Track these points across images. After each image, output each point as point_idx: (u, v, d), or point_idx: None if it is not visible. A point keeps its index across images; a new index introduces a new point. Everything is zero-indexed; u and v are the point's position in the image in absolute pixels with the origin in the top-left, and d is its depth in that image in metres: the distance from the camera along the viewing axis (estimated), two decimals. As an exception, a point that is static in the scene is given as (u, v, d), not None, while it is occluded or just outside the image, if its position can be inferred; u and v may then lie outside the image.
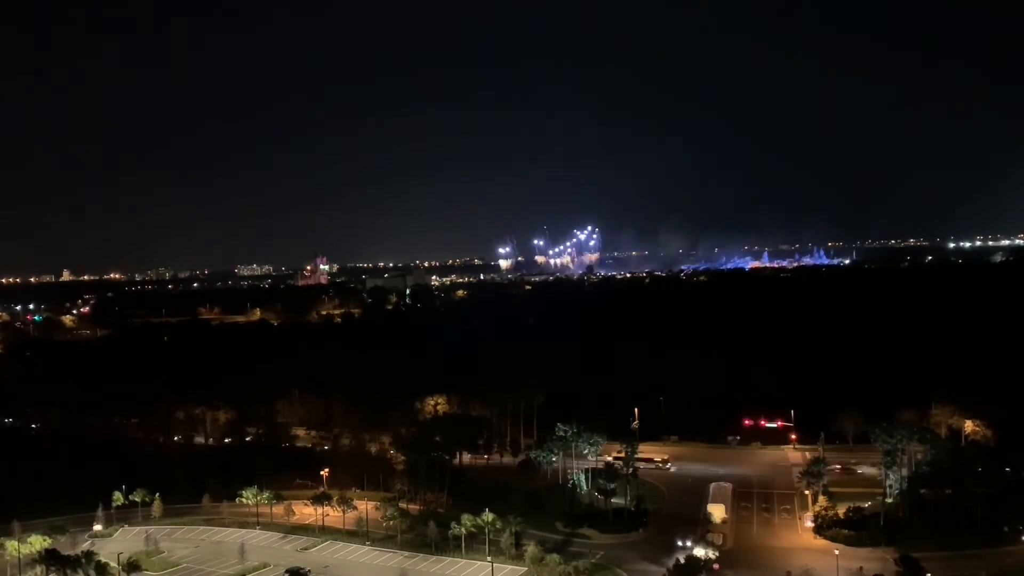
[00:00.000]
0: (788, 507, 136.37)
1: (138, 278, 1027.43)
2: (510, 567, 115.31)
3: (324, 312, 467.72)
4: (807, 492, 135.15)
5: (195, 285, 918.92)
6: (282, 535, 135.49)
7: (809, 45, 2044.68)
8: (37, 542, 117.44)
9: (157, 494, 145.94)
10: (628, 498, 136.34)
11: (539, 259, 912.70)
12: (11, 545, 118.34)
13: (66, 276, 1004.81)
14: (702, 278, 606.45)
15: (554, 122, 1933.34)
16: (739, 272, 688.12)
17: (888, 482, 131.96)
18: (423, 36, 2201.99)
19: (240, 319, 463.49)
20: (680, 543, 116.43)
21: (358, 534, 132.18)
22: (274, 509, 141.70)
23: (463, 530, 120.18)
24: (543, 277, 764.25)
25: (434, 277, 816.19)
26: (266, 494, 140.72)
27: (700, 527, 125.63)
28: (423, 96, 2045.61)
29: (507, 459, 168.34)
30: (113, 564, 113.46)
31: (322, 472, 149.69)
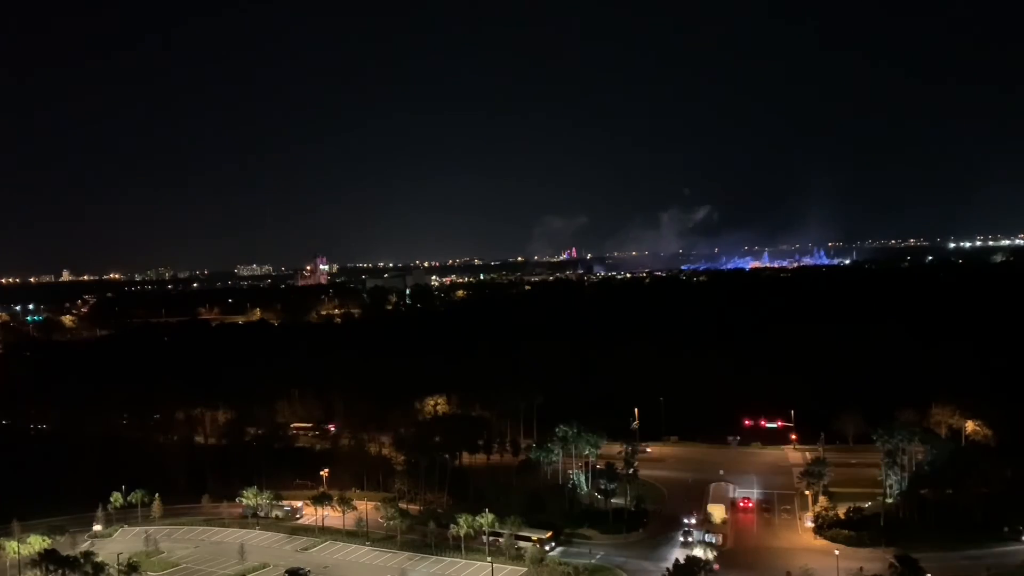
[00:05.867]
0: (788, 507, 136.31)
1: (138, 278, 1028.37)
2: (510, 567, 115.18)
3: (324, 312, 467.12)
4: (807, 492, 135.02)
5: (195, 285, 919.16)
6: (282, 535, 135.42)
7: (810, 46, 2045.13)
8: (37, 542, 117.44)
9: (157, 494, 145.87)
10: (628, 498, 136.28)
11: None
12: (11, 545, 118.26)
13: (66, 276, 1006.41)
14: (702, 278, 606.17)
15: (554, 125, 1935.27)
16: (739, 272, 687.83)
17: (888, 482, 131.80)
18: (423, 40, 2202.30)
19: (240, 319, 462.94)
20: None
21: (358, 534, 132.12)
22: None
23: (463, 530, 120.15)
24: (542, 277, 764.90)
25: (434, 277, 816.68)
26: (266, 494, 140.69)
27: (700, 527, 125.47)
28: (424, 98, 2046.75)
29: (507, 459, 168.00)
30: (112, 564, 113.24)
31: (322, 472, 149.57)
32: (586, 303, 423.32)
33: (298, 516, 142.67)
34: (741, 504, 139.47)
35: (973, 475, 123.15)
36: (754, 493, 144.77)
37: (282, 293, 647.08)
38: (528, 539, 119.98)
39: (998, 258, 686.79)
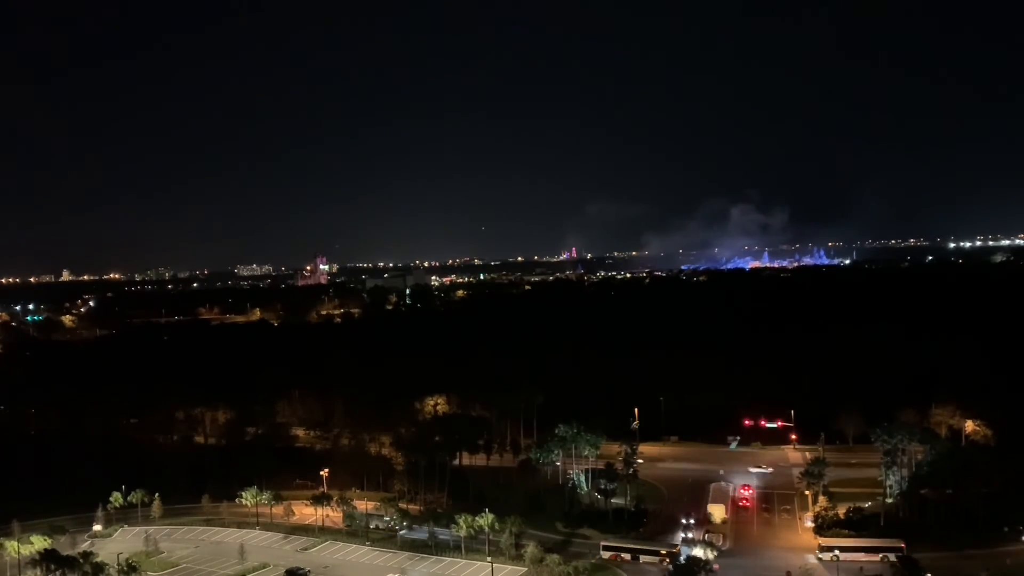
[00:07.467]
0: (788, 507, 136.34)
1: (138, 278, 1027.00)
2: (510, 567, 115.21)
3: (324, 312, 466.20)
4: (807, 492, 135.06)
5: (195, 285, 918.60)
6: (282, 535, 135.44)
7: (810, 47, 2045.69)
8: (37, 542, 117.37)
9: (156, 494, 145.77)
10: (628, 498, 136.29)
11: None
12: (11, 545, 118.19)
13: (66, 276, 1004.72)
14: (702, 278, 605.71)
15: (553, 127, 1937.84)
16: (739, 272, 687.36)
17: (888, 482, 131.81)
18: (423, 41, 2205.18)
19: (240, 319, 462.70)
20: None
21: (358, 534, 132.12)
22: (274, 509, 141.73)
23: (463, 530, 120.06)
24: (542, 277, 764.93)
25: (434, 277, 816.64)
26: (266, 494, 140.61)
27: (700, 527, 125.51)
28: (424, 99, 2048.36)
29: (507, 459, 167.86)
30: (112, 564, 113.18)
31: (322, 472, 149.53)
32: (586, 303, 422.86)
33: (397, 527, 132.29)
34: (742, 490, 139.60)
35: (973, 475, 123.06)
36: (753, 480, 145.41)
37: (282, 293, 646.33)
38: (656, 553, 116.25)
39: (998, 258, 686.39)
